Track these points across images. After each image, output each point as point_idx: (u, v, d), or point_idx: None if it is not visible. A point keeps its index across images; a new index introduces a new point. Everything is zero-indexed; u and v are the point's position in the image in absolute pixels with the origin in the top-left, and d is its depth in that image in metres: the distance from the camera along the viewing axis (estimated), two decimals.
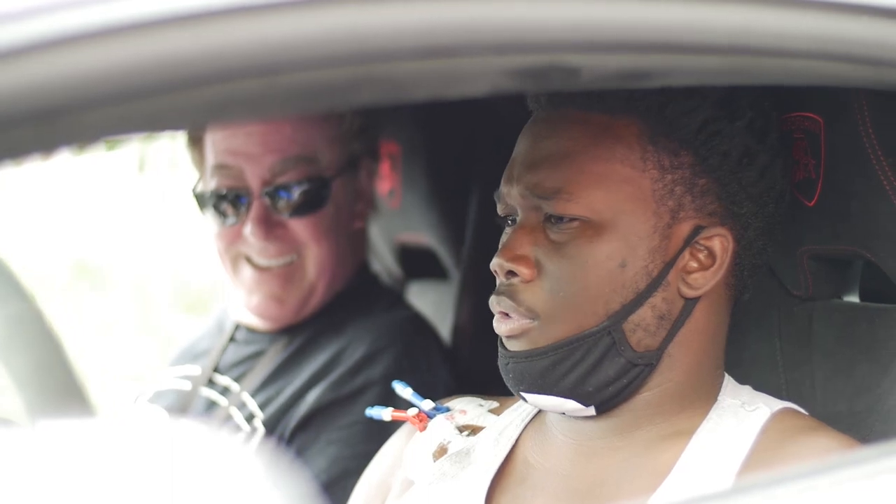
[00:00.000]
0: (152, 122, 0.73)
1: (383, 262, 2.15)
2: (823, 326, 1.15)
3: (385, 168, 2.02)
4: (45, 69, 0.64)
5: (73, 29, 0.64)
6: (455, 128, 1.93)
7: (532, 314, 0.98)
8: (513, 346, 1.00)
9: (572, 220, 0.97)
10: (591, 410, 1.00)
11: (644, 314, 0.98)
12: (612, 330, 0.96)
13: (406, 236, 2.13)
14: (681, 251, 0.99)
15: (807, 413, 1.04)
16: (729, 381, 1.06)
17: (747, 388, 1.06)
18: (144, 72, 0.66)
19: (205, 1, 0.65)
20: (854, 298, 1.20)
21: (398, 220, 2.11)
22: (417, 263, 2.13)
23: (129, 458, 0.58)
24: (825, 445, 0.94)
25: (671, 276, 0.98)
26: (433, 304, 2.01)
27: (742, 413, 1.00)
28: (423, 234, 2.06)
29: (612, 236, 0.97)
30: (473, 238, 1.88)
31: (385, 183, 2.04)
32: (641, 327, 0.98)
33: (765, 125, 1.02)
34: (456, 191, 1.95)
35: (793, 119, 1.10)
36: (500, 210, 1.03)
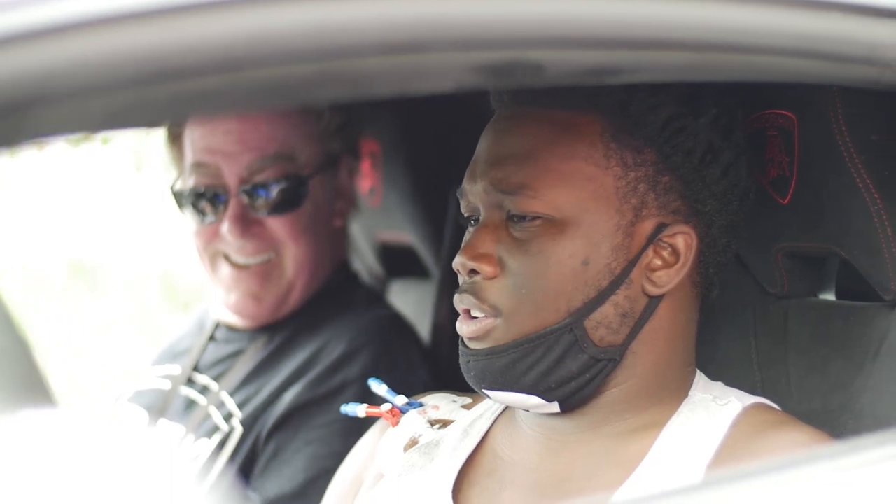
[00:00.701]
0: (114, 119, 0.72)
1: (365, 260, 2.14)
2: (798, 324, 1.15)
3: (366, 166, 2.01)
4: (3, 64, 0.63)
5: (33, 24, 0.63)
6: (435, 126, 1.93)
7: (495, 311, 0.98)
8: (474, 344, 1.00)
9: (535, 217, 0.97)
10: (555, 406, 1.00)
11: (606, 312, 0.98)
12: (573, 327, 0.97)
13: (387, 234, 2.12)
14: (644, 249, 0.99)
15: (779, 408, 1.05)
16: (700, 378, 1.07)
17: (719, 384, 1.07)
18: (105, 67, 0.66)
19: None
20: (829, 296, 1.20)
21: (380, 219, 2.10)
22: (399, 262, 2.12)
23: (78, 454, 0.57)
24: (796, 440, 0.94)
25: (634, 273, 0.99)
26: (414, 302, 2.00)
27: (713, 407, 1.00)
28: (405, 233, 2.06)
29: (575, 234, 0.97)
30: (452, 237, 1.88)
31: (366, 181, 2.03)
32: (604, 325, 0.98)
33: (730, 122, 1.02)
34: (437, 189, 1.95)
35: (767, 116, 1.10)
36: (462, 208, 1.04)
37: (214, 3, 0.67)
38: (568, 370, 0.98)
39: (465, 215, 1.04)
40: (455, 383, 1.38)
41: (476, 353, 0.99)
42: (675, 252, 1.01)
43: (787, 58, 0.82)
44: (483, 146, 1.02)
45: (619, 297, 0.98)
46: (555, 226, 0.96)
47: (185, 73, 0.67)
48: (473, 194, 1.01)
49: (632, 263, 0.98)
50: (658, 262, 1.00)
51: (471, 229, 1.02)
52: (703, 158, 0.99)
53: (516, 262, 0.96)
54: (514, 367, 0.97)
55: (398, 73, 0.72)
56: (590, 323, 0.97)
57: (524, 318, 0.97)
